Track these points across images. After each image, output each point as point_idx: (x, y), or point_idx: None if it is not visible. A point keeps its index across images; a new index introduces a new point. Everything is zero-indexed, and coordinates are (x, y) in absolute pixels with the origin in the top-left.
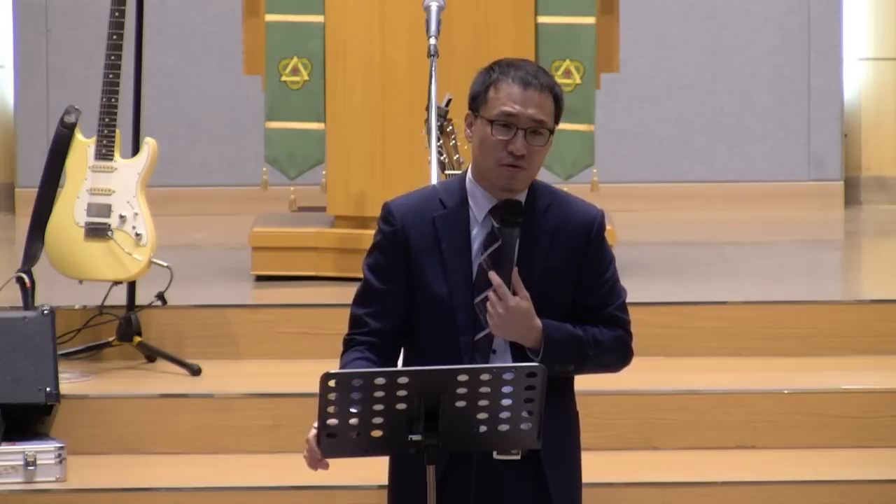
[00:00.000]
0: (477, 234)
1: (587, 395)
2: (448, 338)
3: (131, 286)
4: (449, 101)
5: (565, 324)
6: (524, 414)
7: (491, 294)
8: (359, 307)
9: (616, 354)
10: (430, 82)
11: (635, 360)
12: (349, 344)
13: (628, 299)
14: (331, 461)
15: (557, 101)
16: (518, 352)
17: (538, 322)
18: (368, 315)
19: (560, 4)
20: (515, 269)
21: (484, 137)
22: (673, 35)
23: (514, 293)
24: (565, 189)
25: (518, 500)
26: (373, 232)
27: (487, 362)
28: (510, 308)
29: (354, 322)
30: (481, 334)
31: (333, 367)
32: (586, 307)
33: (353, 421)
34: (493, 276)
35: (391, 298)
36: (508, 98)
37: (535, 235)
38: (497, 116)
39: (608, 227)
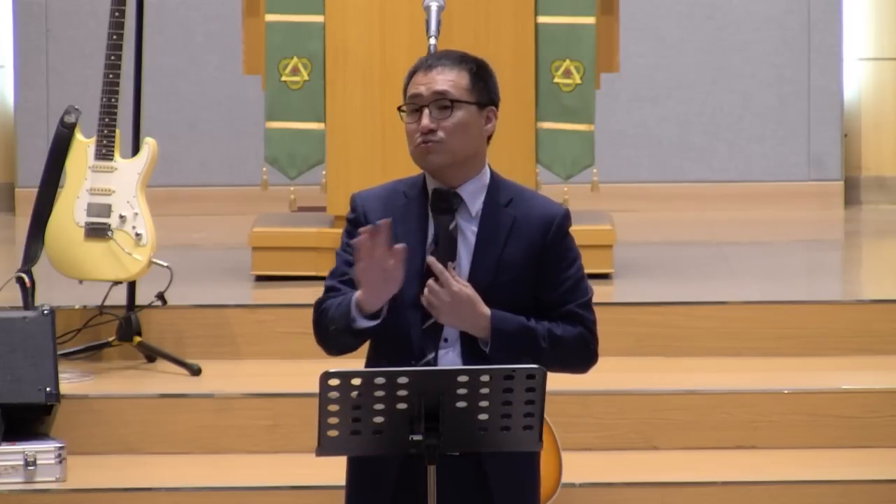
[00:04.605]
0: (431, 225)
1: (587, 395)
2: (399, 323)
3: (131, 286)
4: None
5: (518, 315)
6: (525, 415)
7: (430, 281)
8: (331, 278)
9: (576, 352)
10: None
11: (635, 360)
12: (323, 301)
13: (630, 298)
14: (330, 461)
15: (473, 74)
16: (468, 341)
17: (486, 310)
18: (342, 282)
19: (560, 4)
20: (450, 264)
21: (405, 129)
22: (673, 35)
23: None
24: (565, 189)
25: (462, 493)
26: None
27: (437, 350)
28: (454, 293)
29: (327, 290)
30: (430, 321)
31: (333, 366)
32: (547, 303)
33: (354, 420)
34: (434, 263)
35: None
36: (414, 83)
37: (493, 229)
38: (406, 102)
39: (608, 227)
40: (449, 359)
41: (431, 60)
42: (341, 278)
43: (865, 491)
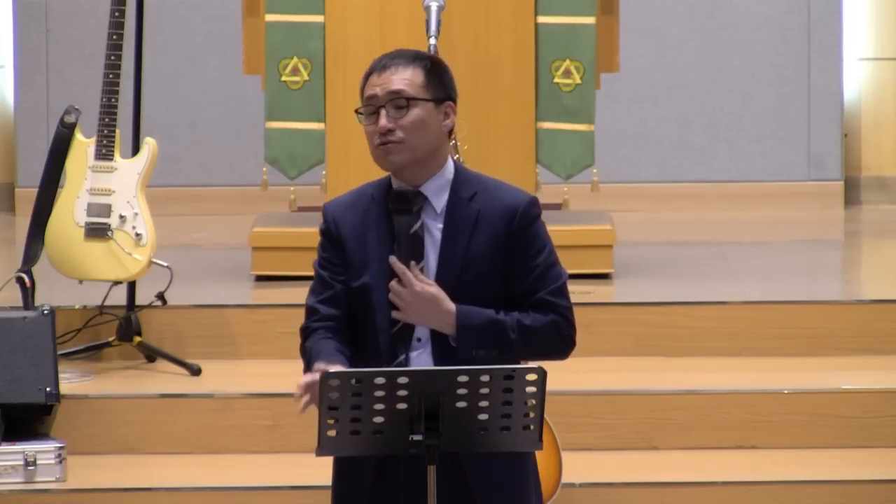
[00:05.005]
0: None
1: (587, 395)
2: (370, 325)
3: (131, 286)
4: None
5: (485, 309)
6: (525, 415)
7: (393, 283)
8: (312, 297)
9: (548, 340)
10: None
11: (635, 360)
12: (307, 332)
13: (630, 298)
14: (329, 461)
15: (428, 71)
16: (440, 341)
17: (451, 307)
18: (321, 302)
19: (560, 4)
20: (413, 263)
21: (364, 131)
22: (673, 35)
23: None
24: (565, 189)
25: (445, 494)
26: None
27: (409, 350)
28: (416, 293)
29: (309, 312)
30: (400, 323)
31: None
32: (518, 293)
33: (354, 420)
34: (395, 263)
35: (340, 286)
36: (370, 85)
37: (457, 224)
38: (363, 104)
39: (608, 227)
40: (421, 360)
41: (385, 61)
42: (320, 297)
43: (865, 491)
